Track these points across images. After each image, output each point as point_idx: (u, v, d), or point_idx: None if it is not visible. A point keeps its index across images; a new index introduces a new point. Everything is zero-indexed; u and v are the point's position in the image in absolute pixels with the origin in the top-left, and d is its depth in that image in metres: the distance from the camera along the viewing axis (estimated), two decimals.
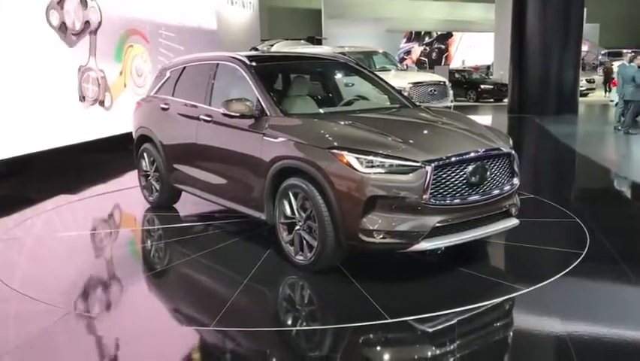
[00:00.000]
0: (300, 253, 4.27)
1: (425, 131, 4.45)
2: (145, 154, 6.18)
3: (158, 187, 6.07)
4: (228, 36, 13.83)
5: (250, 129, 4.65)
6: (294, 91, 5.23)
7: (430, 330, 3.45)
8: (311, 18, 32.73)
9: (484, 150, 4.15)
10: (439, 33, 35.36)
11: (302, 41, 15.23)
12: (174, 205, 6.23)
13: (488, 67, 30.73)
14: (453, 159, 3.96)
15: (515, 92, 17.33)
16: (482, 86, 23.02)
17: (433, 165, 3.85)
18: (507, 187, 4.25)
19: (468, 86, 23.20)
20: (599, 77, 27.06)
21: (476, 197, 4.04)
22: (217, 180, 5.14)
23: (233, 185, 4.96)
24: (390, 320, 3.48)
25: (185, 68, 5.90)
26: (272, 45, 13.45)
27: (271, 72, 5.32)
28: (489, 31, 29.83)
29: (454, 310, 3.58)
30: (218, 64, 5.40)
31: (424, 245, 3.89)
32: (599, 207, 6.37)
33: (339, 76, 5.91)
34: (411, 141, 4.07)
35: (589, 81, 24.55)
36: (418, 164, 3.85)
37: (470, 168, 4.01)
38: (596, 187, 7.79)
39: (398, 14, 33.25)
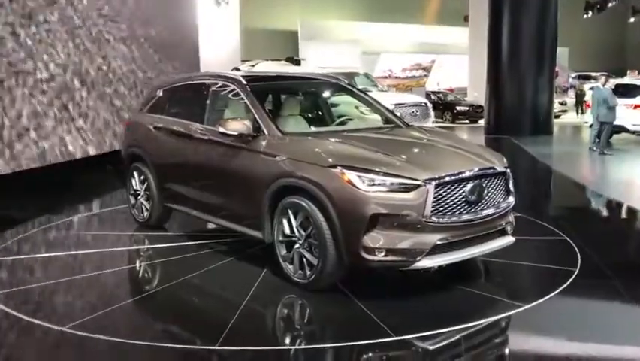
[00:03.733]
0: (300, 271, 4.27)
1: (423, 150, 4.52)
2: (135, 173, 6.12)
3: (148, 206, 6.00)
4: (210, 56, 13.86)
5: (248, 148, 4.66)
6: (289, 110, 5.27)
7: (434, 347, 3.47)
8: (287, 39, 32.96)
9: (482, 168, 4.23)
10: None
11: (283, 62, 15.32)
12: (164, 225, 6.17)
13: None
14: (453, 177, 4.02)
15: (492, 113, 17.69)
16: (458, 108, 23.42)
17: (434, 183, 3.91)
18: (503, 205, 4.32)
19: (444, 107, 23.58)
20: (570, 99, 27.79)
21: (475, 215, 4.10)
22: (212, 199, 5.12)
23: (230, 204, 4.95)
24: (394, 338, 3.49)
25: (177, 86, 5.90)
26: (253, 65, 13.49)
27: (267, 91, 5.36)
28: (463, 53, 30.42)
29: (457, 328, 3.61)
30: (212, 83, 5.42)
31: (426, 263, 3.92)
32: (585, 225, 6.51)
33: (332, 96, 5.97)
34: (411, 160, 4.13)
35: (561, 103, 25.18)
36: (420, 182, 3.89)
37: (469, 186, 4.07)
38: (579, 206, 7.97)
39: (373, 37, 33.71)
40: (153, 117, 5.97)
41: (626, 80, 15.85)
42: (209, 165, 5.09)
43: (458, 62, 32.99)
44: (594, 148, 12.89)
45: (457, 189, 4.04)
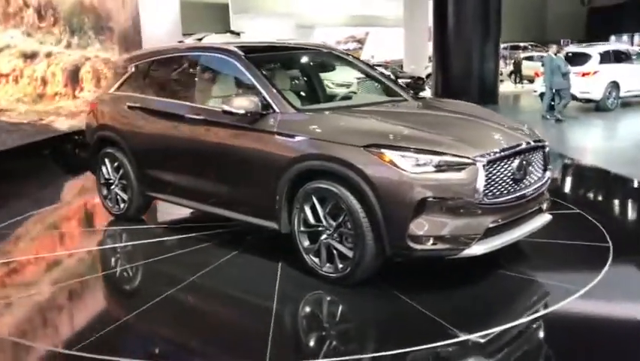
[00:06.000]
0: (329, 264, 3.78)
1: (459, 125, 4.09)
2: (107, 160, 5.38)
3: (125, 197, 5.30)
4: (151, 29, 12.91)
5: (255, 128, 4.08)
6: (295, 84, 4.71)
7: (515, 343, 3.11)
8: (218, 13, 31.68)
9: (525, 142, 3.87)
10: None
11: (228, 34, 14.50)
12: (142, 217, 5.50)
13: None
14: (501, 153, 3.63)
15: (439, 83, 17.58)
16: (400, 80, 23.23)
17: (485, 160, 3.51)
18: (544, 181, 4.01)
19: None
20: (503, 69, 28.34)
21: (522, 193, 3.75)
22: (211, 187, 4.51)
23: (234, 192, 4.36)
24: (462, 338, 3.09)
25: (155, 61, 5.18)
26: (200, 39, 12.63)
27: (270, 63, 4.74)
28: (397, 26, 30.28)
29: (527, 319, 3.28)
30: (201, 55, 4.77)
31: (478, 249, 3.52)
32: (589, 195, 6.41)
33: (331, 67, 5.43)
34: (453, 136, 3.70)
35: None
36: (470, 160, 3.48)
37: (516, 162, 3.71)
38: (571, 175, 7.82)
39: (307, 9, 32.99)
40: (128, 96, 5.22)
41: (574, 48, 16.07)
42: (205, 148, 4.46)
43: (392, 34, 32.90)
44: (547, 116, 12.98)
45: (506, 166, 3.66)
